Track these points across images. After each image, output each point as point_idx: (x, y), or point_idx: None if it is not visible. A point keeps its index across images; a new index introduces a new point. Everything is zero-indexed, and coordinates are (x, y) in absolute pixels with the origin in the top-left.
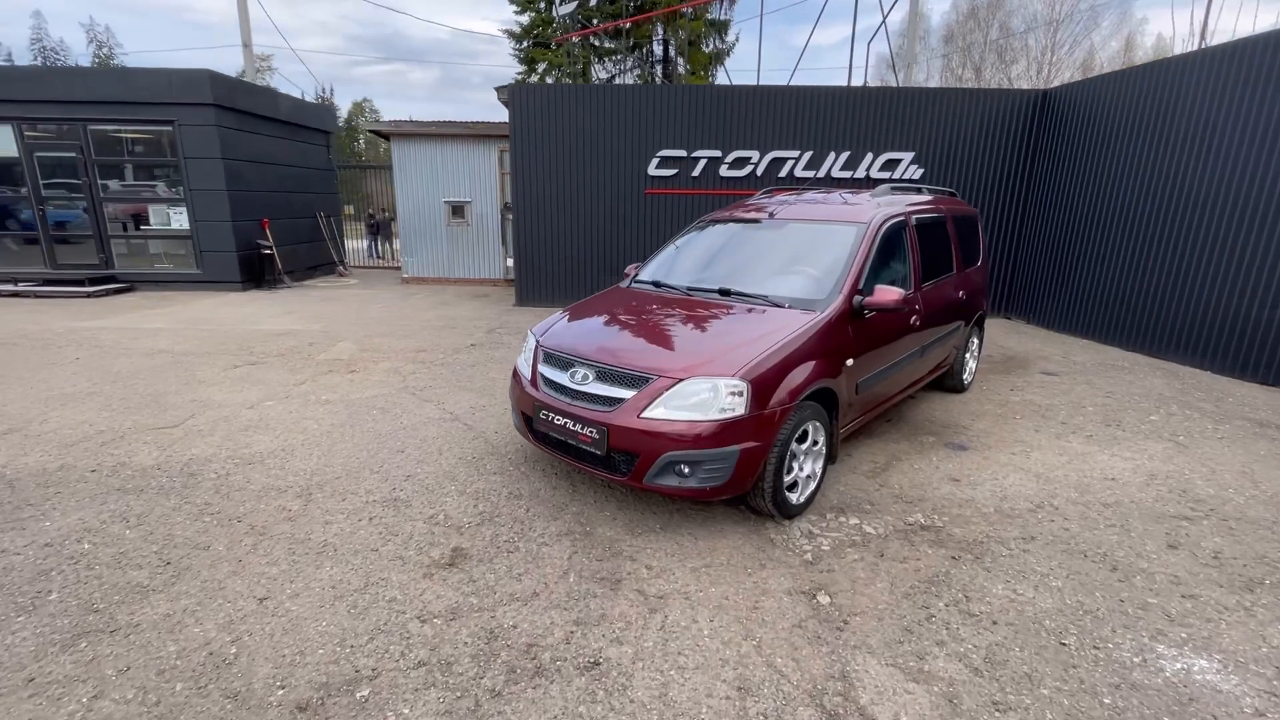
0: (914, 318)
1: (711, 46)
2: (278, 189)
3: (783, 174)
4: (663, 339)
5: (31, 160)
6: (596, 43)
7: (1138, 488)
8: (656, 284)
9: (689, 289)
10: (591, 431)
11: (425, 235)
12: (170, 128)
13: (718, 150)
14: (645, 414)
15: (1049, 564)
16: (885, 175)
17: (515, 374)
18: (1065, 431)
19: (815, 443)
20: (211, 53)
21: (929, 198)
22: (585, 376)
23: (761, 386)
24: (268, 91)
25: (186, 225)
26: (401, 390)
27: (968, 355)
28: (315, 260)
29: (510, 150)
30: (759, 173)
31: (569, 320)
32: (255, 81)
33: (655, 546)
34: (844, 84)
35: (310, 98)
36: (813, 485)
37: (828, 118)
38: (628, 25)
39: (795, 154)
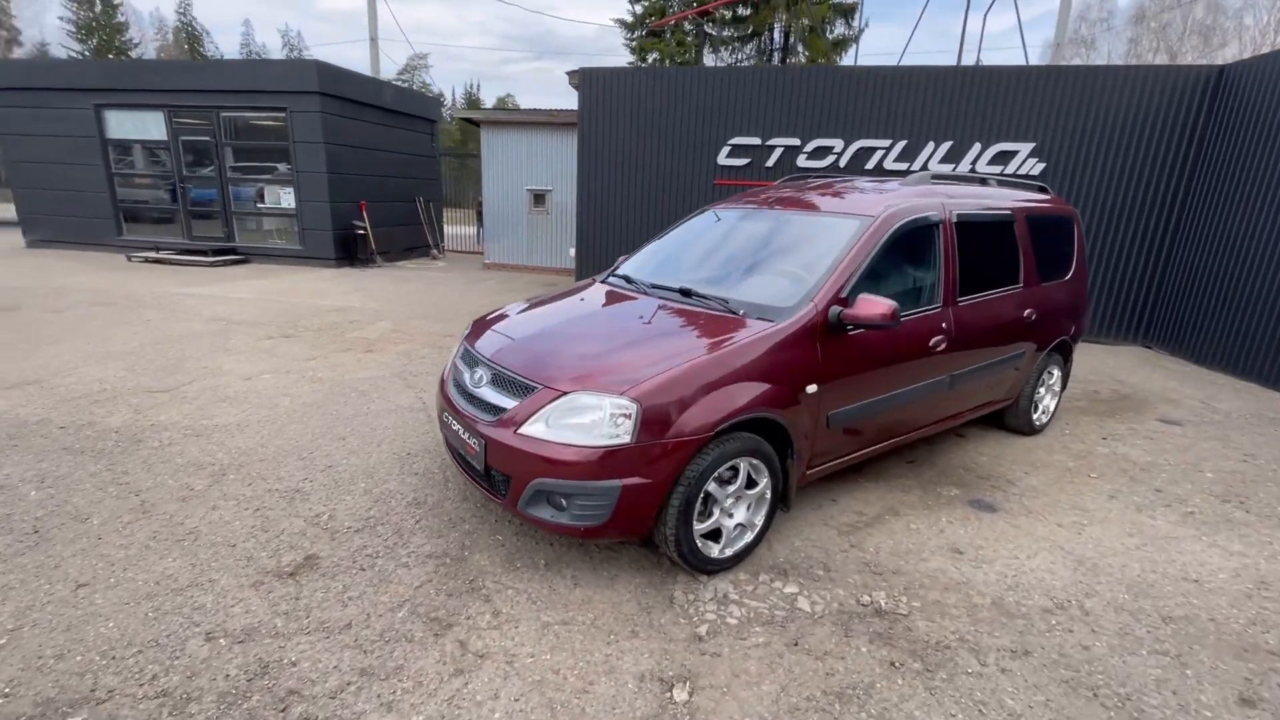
0: (937, 339)
1: (836, 33)
2: (377, 173)
3: (869, 165)
4: (577, 344)
5: (177, 143)
6: (713, 30)
7: (1229, 599)
8: (627, 279)
9: (651, 286)
10: (475, 443)
11: (508, 222)
12: (284, 114)
13: (796, 138)
14: (523, 429)
15: (1030, 698)
16: (994, 169)
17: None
18: (1154, 503)
19: (752, 485)
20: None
21: (989, 192)
22: (481, 379)
23: (658, 411)
24: (373, 81)
25: (293, 204)
26: (395, 375)
27: (1041, 389)
28: (412, 242)
29: (578, 137)
30: (842, 164)
31: (513, 313)
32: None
33: (522, 587)
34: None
35: (460, 93)
36: (749, 536)
37: (927, 103)
38: (746, 12)
39: (886, 144)
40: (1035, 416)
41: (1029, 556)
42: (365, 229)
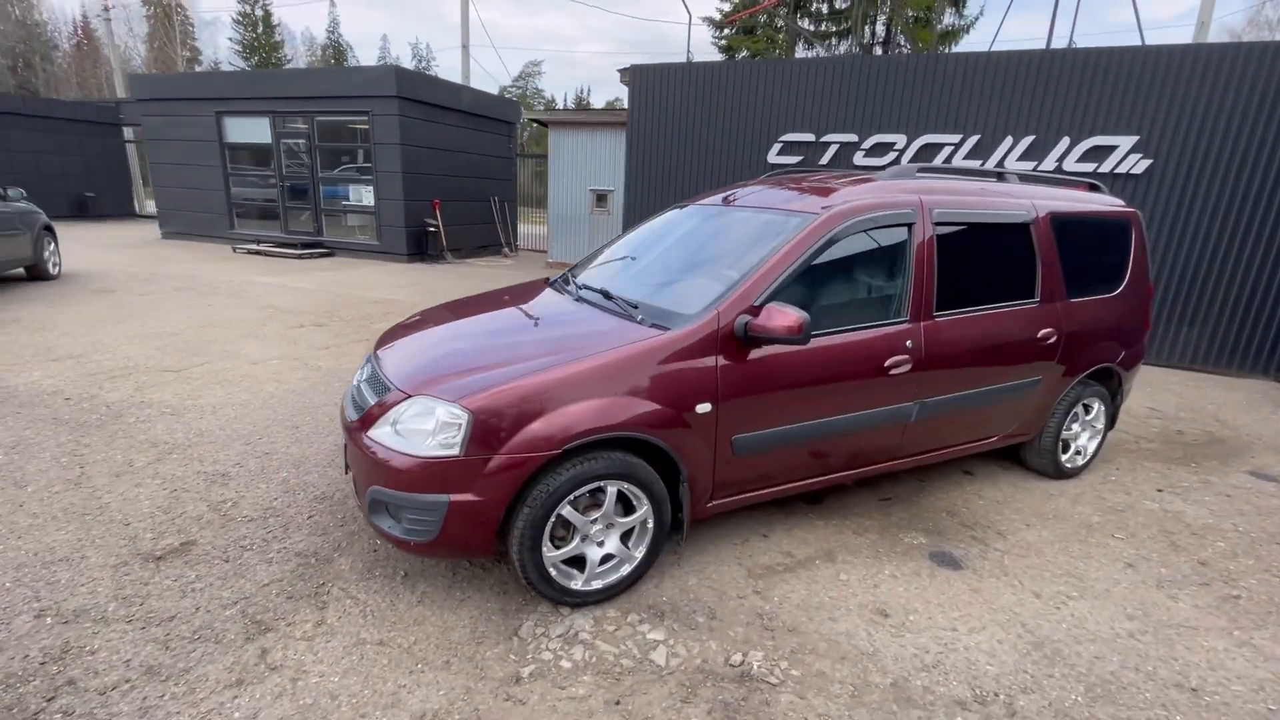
0: (898, 359)
1: (946, 22)
2: (453, 173)
3: (936, 163)
4: (457, 346)
5: (279, 145)
6: (808, 25)
7: (1240, 703)
8: (566, 279)
9: (580, 286)
10: (345, 441)
11: (570, 222)
12: (366, 117)
13: (853, 134)
14: (370, 432)
15: None
16: (1086, 167)
17: None
18: (1187, 579)
19: (627, 512)
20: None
21: (998, 189)
22: (360, 377)
23: (493, 423)
24: (451, 86)
25: (372, 202)
26: None
27: (1076, 426)
28: (485, 240)
29: (626, 136)
30: (904, 161)
31: (440, 310)
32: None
33: (364, 598)
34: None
35: (570, 98)
36: (625, 569)
37: (1006, 92)
38: (843, 4)
39: (954, 139)
40: (1065, 458)
41: (972, 630)
42: (437, 226)
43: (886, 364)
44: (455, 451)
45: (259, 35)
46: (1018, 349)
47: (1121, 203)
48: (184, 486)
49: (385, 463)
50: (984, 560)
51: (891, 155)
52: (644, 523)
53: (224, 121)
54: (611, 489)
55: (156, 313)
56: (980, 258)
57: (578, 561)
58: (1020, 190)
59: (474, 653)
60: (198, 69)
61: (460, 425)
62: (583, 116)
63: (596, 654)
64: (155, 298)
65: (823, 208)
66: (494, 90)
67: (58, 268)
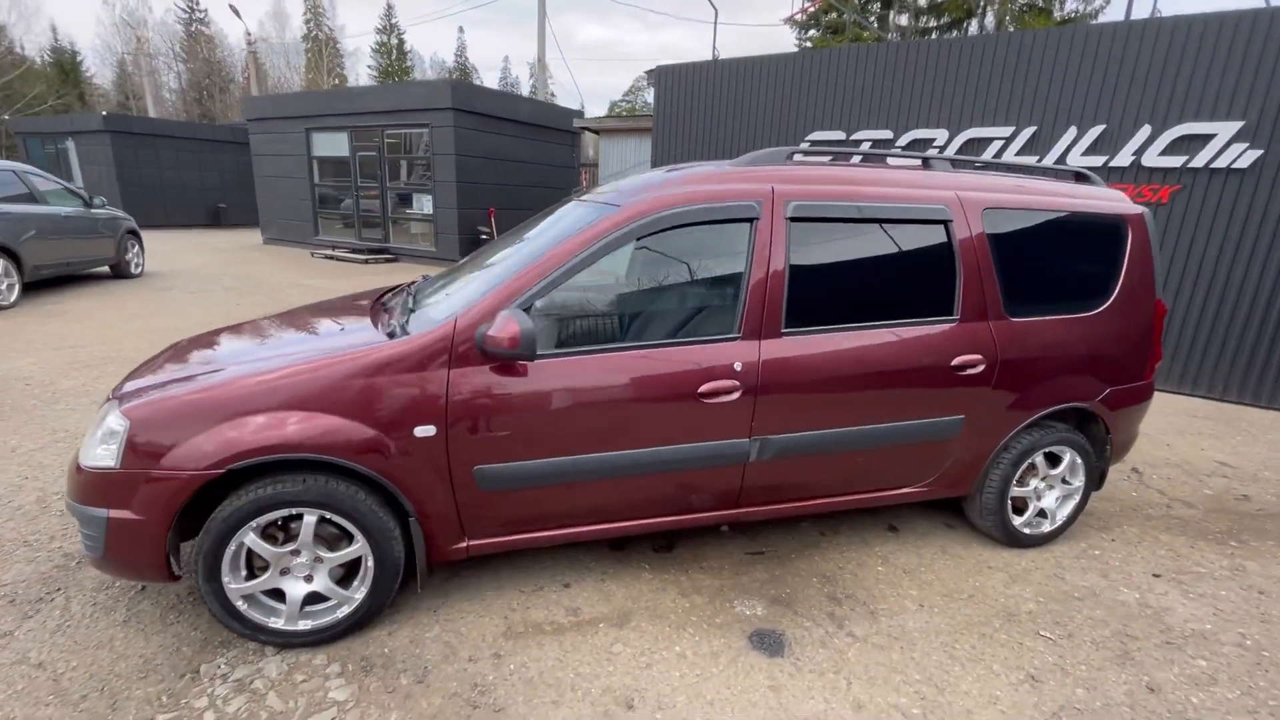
0: (721, 385)
1: (1069, 8)
2: (511, 182)
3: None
4: (208, 352)
5: (355, 158)
6: (907, 20)
7: None
8: (411, 284)
9: (399, 292)
10: None
11: None
12: (426, 130)
13: (887, 130)
14: (84, 438)
15: None
16: (1172, 162)
17: None
18: (1104, 712)
19: (331, 546)
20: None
21: (908, 179)
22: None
23: (152, 434)
24: (509, 97)
25: (431, 210)
26: None
27: (1036, 482)
28: None
29: (652, 140)
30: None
31: (265, 320)
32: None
33: (80, 610)
34: None
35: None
36: (342, 612)
37: (1068, 75)
38: None
39: (1005, 132)
40: (1020, 521)
41: None
42: (490, 233)
43: (702, 390)
44: (113, 463)
45: (393, 61)
46: (919, 378)
47: (1120, 197)
48: (39, 476)
49: (70, 470)
50: (819, 648)
51: (931, 152)
52: (362, 562)
53: (312, 137)
54: (309, 518)
55: (185, 311)
56: (864, 262)
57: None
58: (939, 179)
59: (124, 689)
60: None
61: (120, 434)
62: (629, 124)
63: (258, 707)
64: (199, 296)
65: (631, 199)
66: (605, 105)
67: (140, 267)
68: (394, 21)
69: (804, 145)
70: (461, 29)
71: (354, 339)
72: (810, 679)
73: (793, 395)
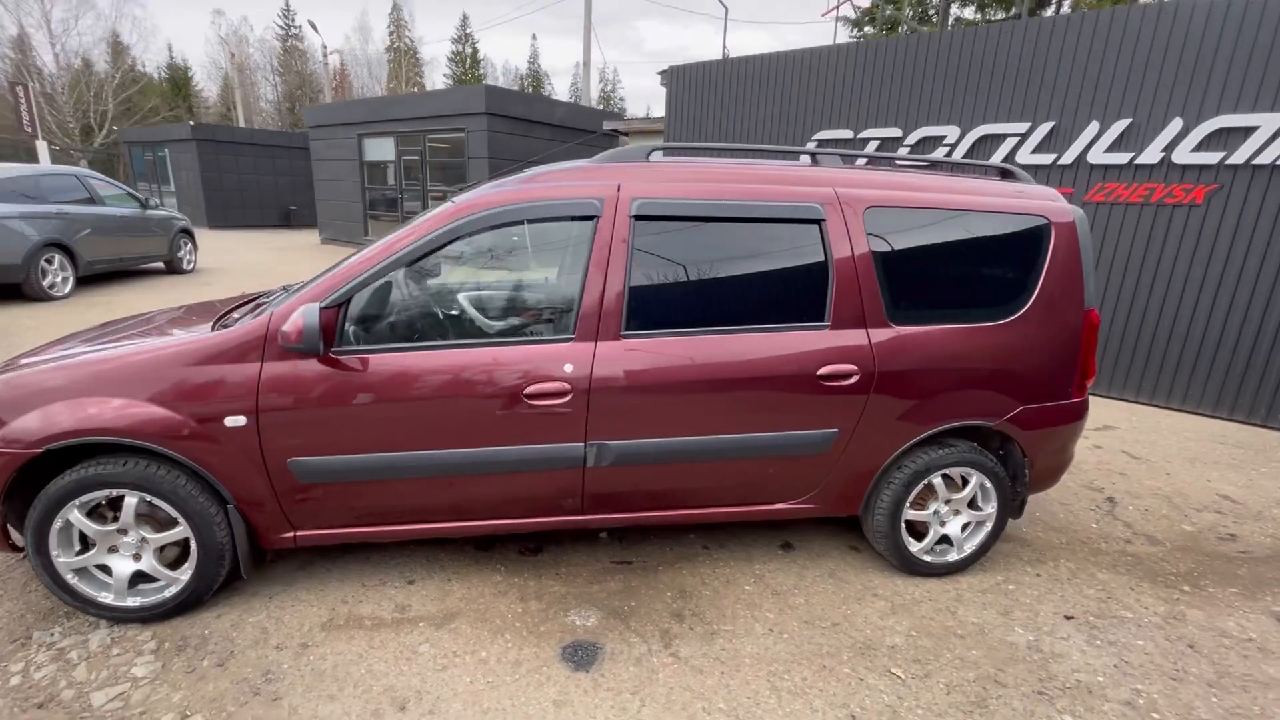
0: (550, 387)
1: None
2: None
3: (995, 159)
4: (115, 332)
5: (400, 162)
6: (973, 12)
7: None
8: None
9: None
10: None
11: None
12: (462, 134)
13: (895, 128)
14: None
15: None
16: (1207, 158)
17: None
18: None
19: (161, 528)
20: None
21: (763, 173)
22: None
23: None
24: (543, 100)
25: None
26: None
27: (937, 505)
28: None
29: (664, 140)
30: (955, 158)
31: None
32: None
33: None
34: None
35: None
36: (170, 592)
37: (1090, 65)
38: None
39: (1019, 129)
40: (918, 548)
41: None
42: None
43: (529, 391)
44: None
45: (466, 69)
46: (781, 387)
47: (1049, 196)
48: None
49: None
50: (631, 666)
51: (941, 151)
52: (187, 546)
53: (363, 142)
54: (131, 499)
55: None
56: (722, 263)
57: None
58: (818, 176)
59: None
60: None
61: None
62: (656, 125)
63: (62, 676)
64: (235, 290)
65: (465, 198)
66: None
67: (191, 264)
68: (468, 31)
69: (674, 144)
70: (535, 36)
71: (189, 332)
72: (602, 697)
73: (632, 401)
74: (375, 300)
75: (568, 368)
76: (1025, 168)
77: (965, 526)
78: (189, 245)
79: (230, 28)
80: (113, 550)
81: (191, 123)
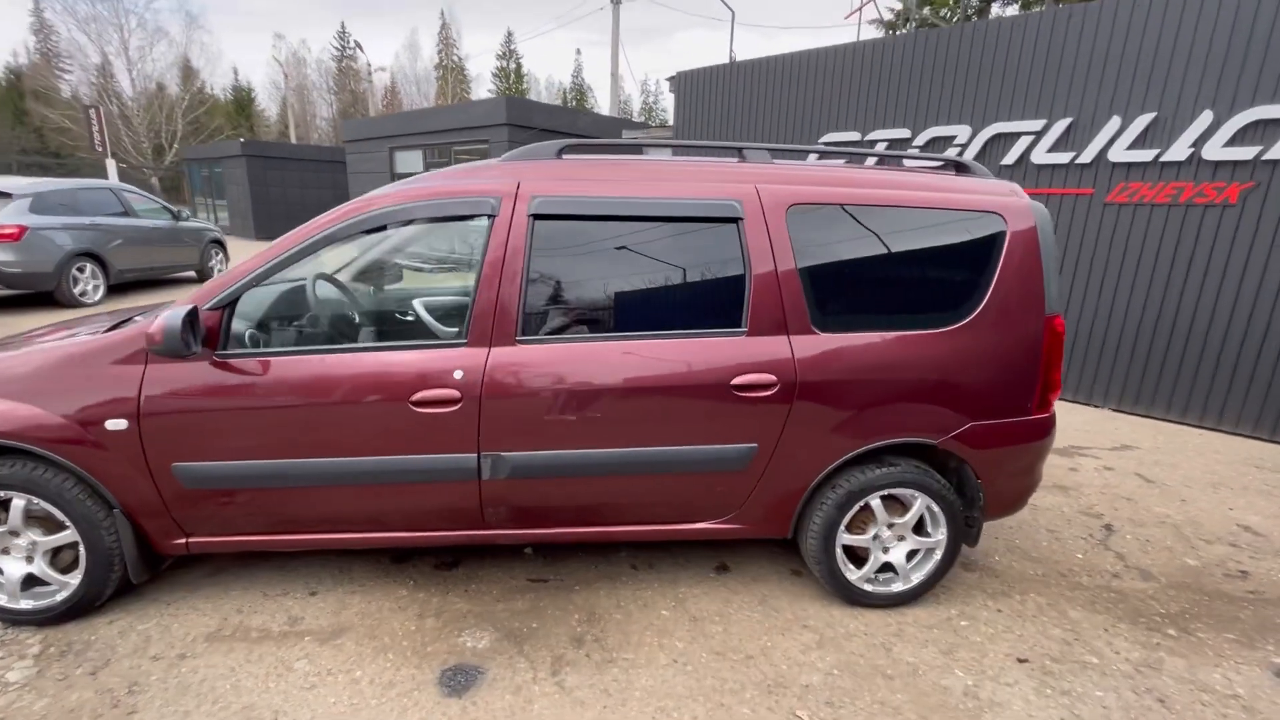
0: (438, 394)
1: None
2: None
3: (1009, 159)
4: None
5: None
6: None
7: None
8: None
9: None
10: None
11: None
12: (486, 145)
13: (904, 129)
14: None
15: None
16: (1241, 154)
17: None
18: None
19: (53, 531)
20: None
21: (672, 169)
22: None
23: None
24: (567, 111)
25: None
26: None
27: (877, 530)
28: None
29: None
30: (966, 158)
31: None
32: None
33: None
34: None
35: None
36: (60, 596)
37: (1110, 57)
38: None
39: (1035, 126)
40: (857, 577)
41: None
42: None
43: (416, 398)
44: None
45: (510, 84)
46: (692, 398)
47: (1007, 191)
48: None
49: None
50: (507, 695)
51: (952, 152)
52: (79, 547)
53: (394, 155)
54: (19, 501)
55: None
56: (629, 265)
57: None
58: (739, 173)
59: None
60: None
61: None
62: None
63: None
64: None
65: (363, 197)
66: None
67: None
68: (512, 47)
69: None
70: (579, 51)
71: (77, 336)
72: (481, 713)
73: (528, 411)
74: (263, 303)
75: (458, 374)
76: (1042, 169)
77: (913, 554)
78: (220, 255)
79: (290, 50)
80: (4, 552)
81: (242, 140)
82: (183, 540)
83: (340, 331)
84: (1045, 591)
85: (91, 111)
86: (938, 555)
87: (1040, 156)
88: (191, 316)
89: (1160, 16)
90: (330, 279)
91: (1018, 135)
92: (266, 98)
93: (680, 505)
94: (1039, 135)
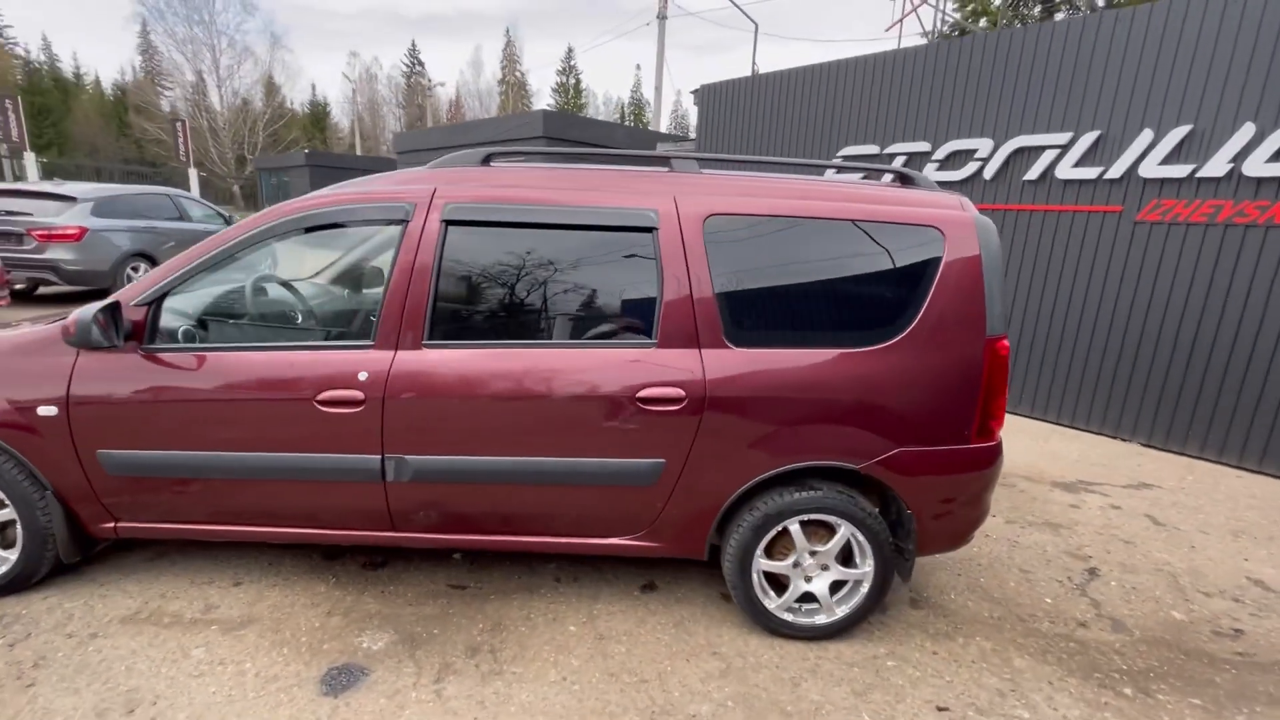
0: (342, 394)
1: None
2: None
3: (1032, 174)
4: None
5: None
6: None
7: None
8: None
9: None
10: None
11: None
12: None
13: (924, 142)
14: None
15: None
16: None
17: None
18: None
19: None
20: None
21: (589, 178)
22: None
23: None
24: (603, 124)
25: None
26: None
27: (799, 558)
28: None
29: None
30: (988, 173)
31: None
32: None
33: None
34: None
35: None
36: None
37: (1143, 66)
38: None
39: (1060, 139)
40: (776, 605)
41: None
42: None
43: (322, 398)
44: None
45: (569, 99)
46: (599, 409)
47: (950, 204)
48: None
49: None
50: (383, 699)
51: (971, 166)
52: (15, 525)
53: None
54: None
55: None
56: (542, 273)
57: None
58: (659, 182)
59: None
60: None
61: None
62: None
63: None
64: None
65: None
66: None
67: None
68: (572, 63)
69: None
70: (639, 66)
71: (20, 326)
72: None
73: (432, 416)
74: (188, 300)
75: (363, 375)
76: (1067, 184)
77: (839, 585)
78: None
79: (363, 66)
80: None
81: (306, 150)
82: (111, 525)
83: (265, 331)
84: (995, 636)
85: (177, 125)
86: (865, 588)
87: (1066, 171)
88: (109, 311)
89: (1198, 22)
90: (275, 280)
91: (1042, 149)
92: (340, 111)
93: (589, 519)
94: (1065, 149)
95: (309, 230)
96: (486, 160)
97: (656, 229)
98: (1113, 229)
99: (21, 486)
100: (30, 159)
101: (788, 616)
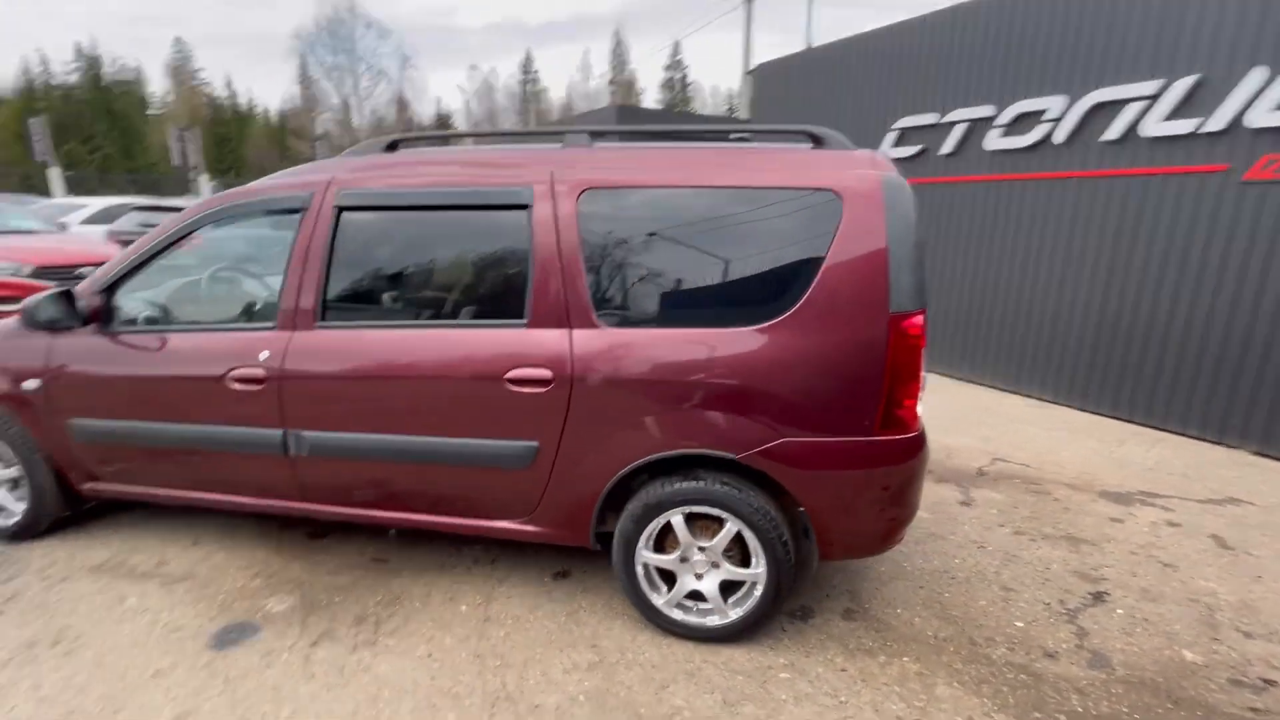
0: (245, 372)
1: None
2: None
3: (1112, 134)
4: None
5: None
6: None
7: None
8: None
9: None
10: None
11: None
12: None
13: (988, 105)
14: None
15: None
16: None
17: None
18: None
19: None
20: None
21: (480, 157)
22: None
23: None
24: (678, 118)
25: None
26: None
27: (686, 553)
28: None
29: None
30: (1058, 137)
31: None
32: None
33: None
34: None
35: None
36: (9, 520)
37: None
38: None
39: (1148, 90)
40: (664, 600)
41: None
42: None
43: (231, 375)
44: None
45: (676, 95)
46: (472, 390)
47: (860, 160)
48: None
49: None
50: (259, 656)
51: (1040, 130)
52: (23, 480)
53: None
54: None
55: None
56: (426, 255)
57: None
58: (541, 158)
59: None
60: None
61: None
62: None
63: None
64: None
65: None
66: None
67: None
68: (679, 58)
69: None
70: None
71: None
72: (199, 678)
73: (323, 393)
74: (136, 286)
75: (263, 355)
76: (1156, 142)
77: (733, 586)
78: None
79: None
80: None
81: None
82: (90, 485)
83: (197, 314)
84: (928, 659)
85: (316, 144)
86: (758, 591)
87: (1153, 127)
88: (61, 297)
89: None
90: (230, 269)
91: (1124, 102)
92: (461, 121)
93: (477, 501)
94: (1153, 99)
95: (232, 220)
96: (392, 146)
97: (530, 206)
98: (1215, 192)
99: (26, 449)
100: (203, 180)
101: (677, 614)
